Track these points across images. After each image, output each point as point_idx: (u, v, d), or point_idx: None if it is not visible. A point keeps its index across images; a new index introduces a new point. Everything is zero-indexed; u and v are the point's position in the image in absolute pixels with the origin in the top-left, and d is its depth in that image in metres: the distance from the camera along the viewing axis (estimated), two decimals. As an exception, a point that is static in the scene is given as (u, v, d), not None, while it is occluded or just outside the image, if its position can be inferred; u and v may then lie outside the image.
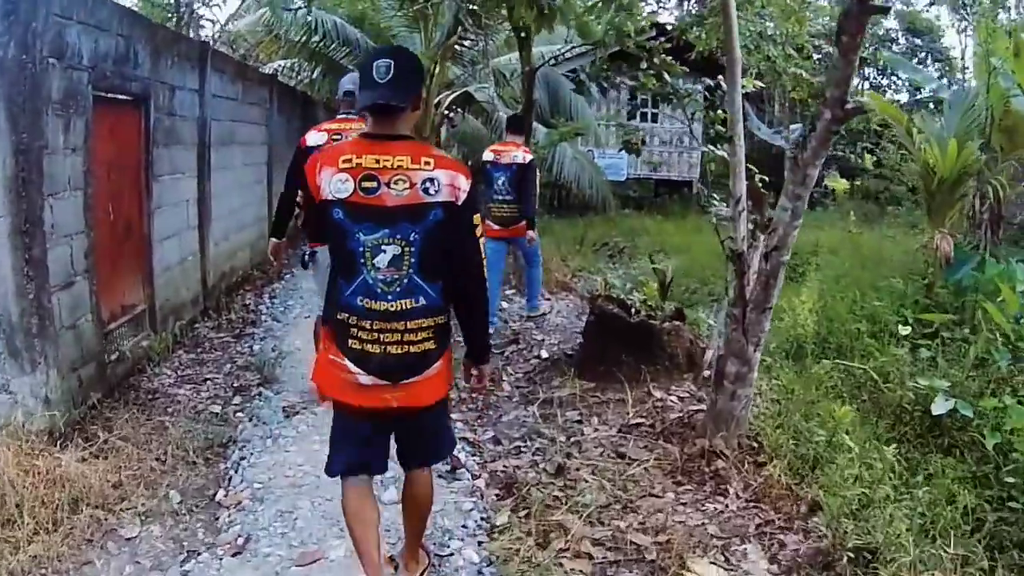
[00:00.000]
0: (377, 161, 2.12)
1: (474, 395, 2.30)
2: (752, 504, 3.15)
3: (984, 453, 3.24)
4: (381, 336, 2.15)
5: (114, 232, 4.31)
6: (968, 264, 5.67)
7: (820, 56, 11.59)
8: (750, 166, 3.66)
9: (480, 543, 2.86)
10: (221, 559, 2.69)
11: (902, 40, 20.29)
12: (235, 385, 4.43)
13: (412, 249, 2.14)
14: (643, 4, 6.41)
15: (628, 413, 3.99)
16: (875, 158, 15.01)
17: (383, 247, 2.12)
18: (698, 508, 3.11)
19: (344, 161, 2.13)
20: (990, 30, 6.52)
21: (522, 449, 3.70)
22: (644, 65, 4.50)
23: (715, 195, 4.12)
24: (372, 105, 2.14)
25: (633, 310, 4.68)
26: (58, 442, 3.27)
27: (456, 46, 9.09)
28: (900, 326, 4.73)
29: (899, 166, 13.40)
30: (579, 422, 3.95)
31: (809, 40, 6.62)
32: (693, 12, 12.83)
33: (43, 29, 3.29)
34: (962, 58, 18.98)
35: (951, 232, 6.07)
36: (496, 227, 5.59)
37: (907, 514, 2.81)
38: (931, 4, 18.30)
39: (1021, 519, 2.79)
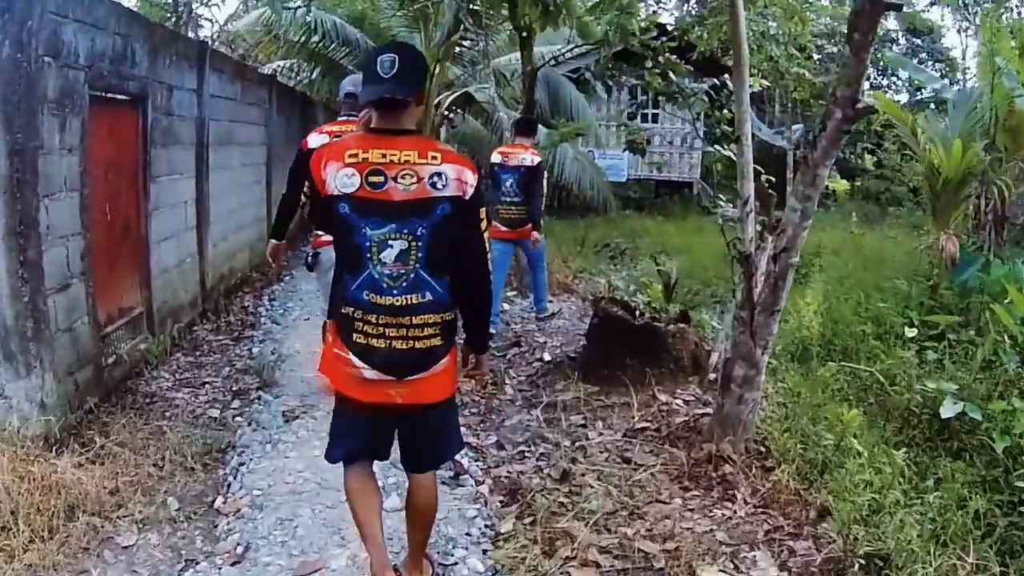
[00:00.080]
0: (384, 156, 2.11)
1: (470, 378, 2.34)
2: (760, 510, 3.10)
3: (993, 457, 3.20)
4: (386, 331, 2.14)
5: (111, 233, 4.26)
6: (973, 265, 5.63)
7: (820, 56, 11.59)
8: (756, 166, 3.61)
9: (485, 551, 2.80)
10: (220, 568, 2.64)
11: (902, 40, 20.29)
12: (234, 389, 4.38)
13: (419, 244, 2.13)
14: (643, 4, 6.38)
15: (633, 417, 3.94)
16: (876, 159, 15.01)
17: (390, 242, 2.13)
18: (706, 514, 3.07)
19: (350, 156, 2.12)
20: (994, 30, 6.49)
21: (526, 454, 3.64)
22: (649, 64, 4.46)
23: (721, 196, 4.07)
24: (377, 100, 2.13)
25: (637, 312, 4.63)
26: (54, 448, 3.22)
27: (456, 46, 9.05)
28: (906, 328, 4.70)
29: (900, 167, 13.41)
30: (583, 426, 3.90)
31: (811, 40, 6.59)
32: (693, 12, 12.81)
33: (39, 27, 3.23)
34: (963, 58, 18.98)
35: (956, 233, 6.04)
36: (503, 228, 5.60)
37: (918, 520, 2.77)
38: (932, 4, 18.28)
39: (1033, 524, 2.75)
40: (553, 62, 8.40)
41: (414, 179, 2.11)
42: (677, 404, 4.07)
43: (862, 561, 2.63)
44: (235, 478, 3.28)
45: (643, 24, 5.20)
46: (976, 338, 4.61)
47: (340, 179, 2.11)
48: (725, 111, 3.93)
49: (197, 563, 2.68)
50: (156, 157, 4.79)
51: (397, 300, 2.14)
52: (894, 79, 19.59)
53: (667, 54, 4.53)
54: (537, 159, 5.70)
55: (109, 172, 4.18)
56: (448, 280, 2.20)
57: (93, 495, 2.92)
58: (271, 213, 8.22)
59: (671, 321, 4.56)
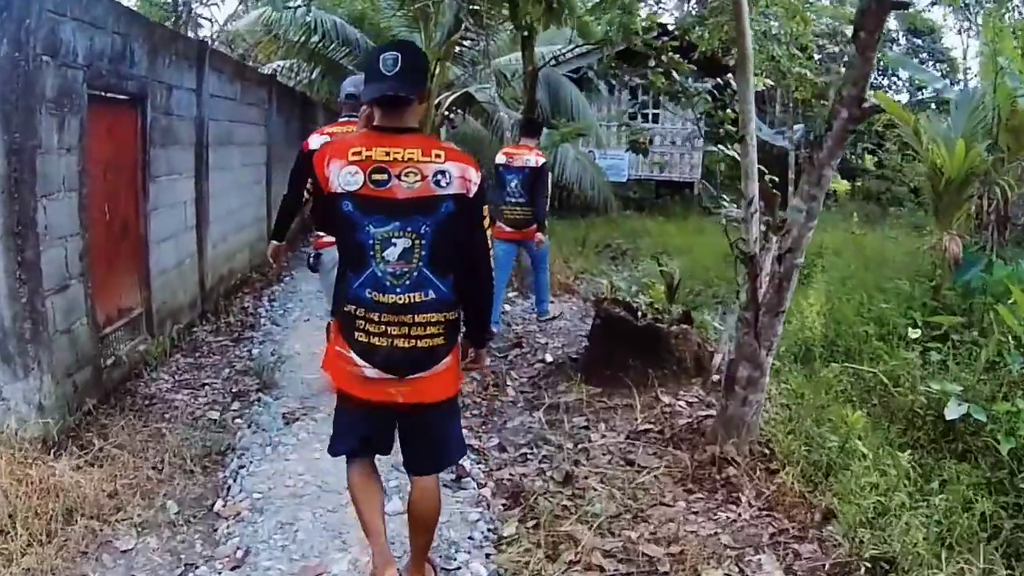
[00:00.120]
0: (387, 153, 2.11)
1: (469, 371, 2.36)
2: (765, 513, 3.08)
3: (998, 459, 3.19)
4: (388, 329, 2.14)
5: (110, 234, 4.23)
6: (977, 266, 5.61)
7: (820, 56, 11.57)
8: (760, 167, 3.58)
9: (488, 555, 2.77)
10: (220, 573, 2.61)
11: (903, 40, 20.28)
12: (234, 390, 4.34)
13: (423, 242, 2.14)
14: (643, 4, 6.36)
15: (636, 419, 3.91)
16: (876, 159, 15.00)
17: (393, 240, 2.13)
18: (710, 517, 3.04)
19: (354, 154, 2.12)
20: (997, 29, 6.47)
21: (528, 456, 3.61)
22: (652, 63, 4.44)
23: (724, 196, 4.04)
24: (381, 97, 2.13)
25: (639, 313, 4.60)
26: (52, 450, 3.19)
27: (456, 46, 9.02)
28: (910, 329, 4.68)
29: (900, 167, 13.41)
30: (586, 428, 3.87)
31: (812, 40, 6.57)
32: (694, 12, 12.78)
33: (36, 26, 3.20)
34: (964, 58, 18.98)
35: (958, 233, 6.01)
36: (508, 229, 5.64)
37: (924, 523, 2.76)
38: (933, 4, 18.27)
39: (1038, 526, 2.73)
40: (554, 62, 8.37)
41: (418, 177, 2.11)
42: (680, 406, 4.04)
43: (868, 565, 2.61)
44: (235, 481, 3.24)
45: (644, 24, 5.19)
46: (979, 339, 4.60)
47: (343, 177, 2.11)
48: (728, 111, 3.91)
49: (197, 567, 2.65)
50: (155, 157, 4.76)
51: (400, 298, 2.13)
52: (895, 79, 19.58)
53: (670, 53, 4.51)
54: (541, 160, 5.73)
55: (108, 172, 4.15)
56: (451, 279, 2.20)
57: (91, 498, 2.89)
58: (271, 213, 8.19)
59: (674, 322, 4.53)
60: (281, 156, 8.57)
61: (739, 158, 3.48)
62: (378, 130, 2.17)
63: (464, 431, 3.81)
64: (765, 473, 3.31)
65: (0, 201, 3.13)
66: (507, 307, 6.55)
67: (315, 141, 3.83)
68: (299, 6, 5.70)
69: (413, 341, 2.15)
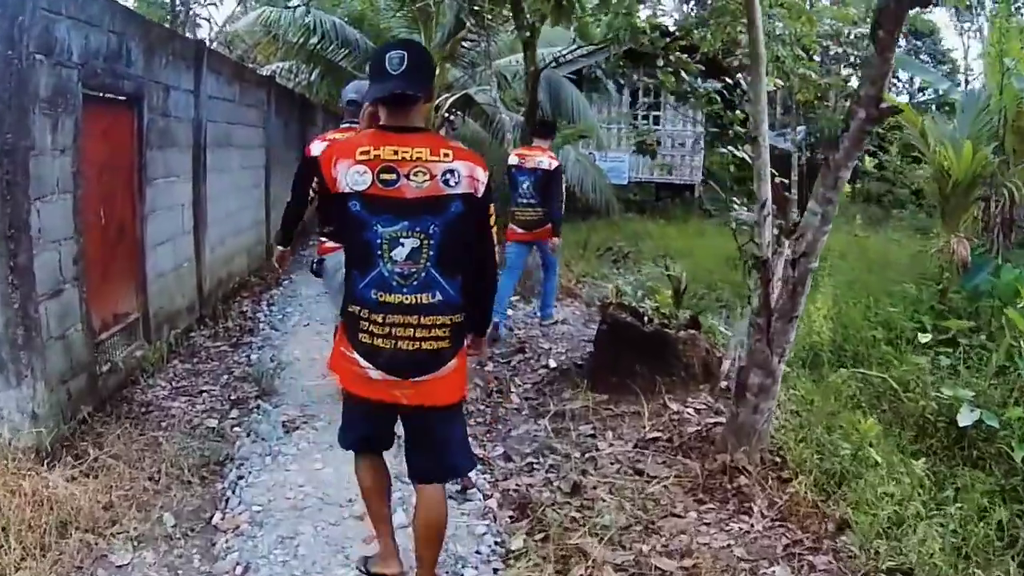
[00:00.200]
0: (396, 152, 2.10)
1: (470, 356, 2.37)
2: (778, 523, 3.01)
3: (1012, 465, 3.16)
4: (393, 330, 2.13)
5: (105, 237, 4.15)
6: (985, 269, 5.55)
7: (821, 58, 11.53)
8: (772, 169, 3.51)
9: (496, 571, 2.69)
10: (219, 589, 2.53)
11: (903, 41, 20.27)
12: (232, 397, 4.26)
13: (431, 242, 2.13)
14: (642, 5, 6.31)
15: (644, 427, 3.83)
16: (877, 161, 14.98)
17: (401, 240, 2.12)
18: (722, 528, 2.97)
19: (362, 153, 2.11)
20: (1003, 30, 6.43)
21: (535, 466, 3.53)
22: (661, 63, 4.37)
23: (735, 199, 3.97)
24: (388, 96, 2.11)
25: (646, 318, 4.53)
26: (46, 460, 3.10)
27: (458, 46, 8.96)
28: (920, 333, 4.63)
29: (902, 169, 13.38)
30: (593, 436, 3.80)
31: (815, 41, 6.51)
32: (693, 15, 12.73)
33: (30, 23, 3.13)
34: (965, 59, 18.98)
35: (966, 236, 5.97)
36: (520, 230, 5.68)
37: (939, 532, 2.71)
38: (935, 5, 18.26)
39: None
40: (554, 64, 8.31)
41: (427, 176, 2.10)
42: (689, 413, 3.97)
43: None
44: (234, 493, 3.16)
45: (643, 25, 5.15)
46: (988, 343, 4.55)
47: (351, 176, 2.10)
48: (738, 111, 3.84)
49: (195, 583, 2.57)
50: (152, 159, 4.68)
51: (407, 298, 2.12)
52: (894, 80, 19.58)
53: (677, 53, 4.45)
54: (555, 163, 5.75)
55: (103, 174, 4.08)
56: (459, 281, 2.19)
57: (86, 510, 2.81)
58: (270, 216, 8.12)
59: (681, 327, 4.46)
60: (280, 158, 8.50)
61: (750, 160, 3.41)
62: (385, 129, 2.16)
63: (469, 439, 3.77)
64: (777, 482, 3.24)
65: (-8, 204, 3.05)
66: (509, 311, 6.46)
67: (316, 147, 3.79)
68: (298, 6, 5.64)
69: (417, 343, 2.14)
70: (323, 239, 3.92)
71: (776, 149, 11.44)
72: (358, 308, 2.16)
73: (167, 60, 4.90)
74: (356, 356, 2.17)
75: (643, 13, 5.88)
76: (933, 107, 10.95)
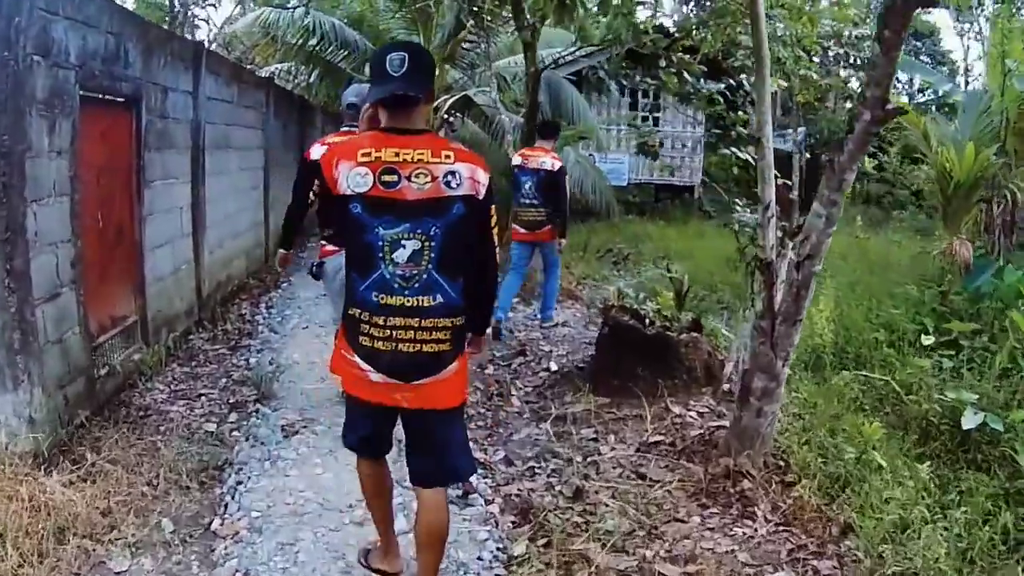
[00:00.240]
0: (397, 154, 2.09)
1: (469, 355, 2.36)
2: (782, 528, 2.99)
3: (1016, 468, 3.14)
4: (393, 333, 2.12)
5: (103, 240, 4.11)
6: (987, 271, 5.53)
7: (820, 59, 11.51)
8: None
9: (498, 577, 2.67)
10: (218, 597, 2.50)
11: (901, 43, 20.26)
12: (231, 401, 4.23)
13: (433, 244, 2.12)
14: (642, 7, 6.30)
15: (646, 430, 3.80)
16: (876, 162, 14.97)
17: (403, 242, 2.11)
18: (726, 533, 2.94)
19: (363, 155, 2.10)
20: (1005, 32, 6.41)
21: (536, 470, 3.50)
22: (663, 63, 4.35)
23: (737, 201, 3.95)
24: (389, 97, 2.10)
25: (647, 321, 4.50)
26: (43, 466, 3.07)
27: (458, 47, 8.94)
28: (923, 336, 4.60)
29: (902, 170, 13.38)
30: (595, 440, 3.77)
31: (816, 42, 6.49)
32: (692, 16, 12.72)
33: (27, 24, 3.10)
34: (964, 60, 18.99)
35: (968, 238, 5.95)
36: (522, 231, 5.71)
37: (944, 536, 2.69)
38: (937, 5, 18.27)
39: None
40: (554, 65, 8.29)
41: (428, 178, 2.10)
42: (691, 416, 3.94)
43: (890, 581, 2.53)
44: (233, 498, 3.12)
45: (644, 26, 5.14)
46: (991, 345, 4.53)
47: (352, 178, 2.10)
48: (740, 112, 3.81)
49: (193, 591, 2.54)
50: (150, 161, 4.65)
51: (408, 300, 2.12)
52: (894, 81, 19.59)
53: (680, 54, 4.42)
54: (558, 164, 5.73)
55: (101, 176, 4.04)
56: (461, 283, 2.19)
57: (84, 516, 2.78)
58: (269, 218, 8.09)
59: (683, 330, 4.42)
60: (279, 160, 8.46)
61: (753, 161, 3.38)
62: (386, 131, 2.15)
63: (470, 443, 3.74)
64: (781, 486, 3.22)
65: (-12, 206, 3.02)
66: (510, 313, 6.43)
67: (316, 151, 3.77)
68: (297, 7, 5.61)
69: (418, 346, 2.13)
70: (324, 242, 3.91)
71: (776, 150, 11.47)
72: (359, 310, 2.15)
73: (165, 61, 4.87)
74: (357, 359, 2.16)
75: (642, 14, 5.90)
76: (933, 108, 10.95)
